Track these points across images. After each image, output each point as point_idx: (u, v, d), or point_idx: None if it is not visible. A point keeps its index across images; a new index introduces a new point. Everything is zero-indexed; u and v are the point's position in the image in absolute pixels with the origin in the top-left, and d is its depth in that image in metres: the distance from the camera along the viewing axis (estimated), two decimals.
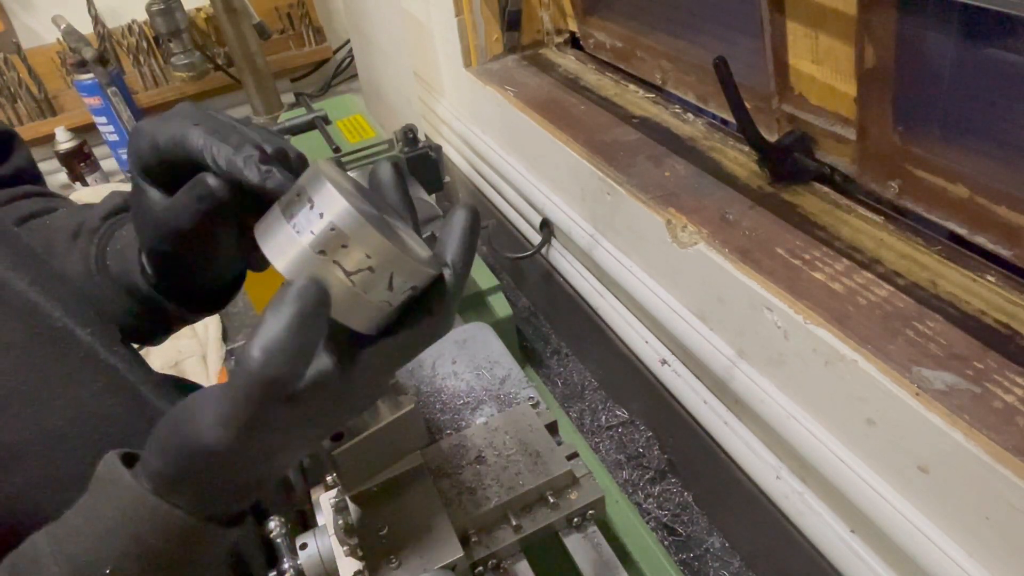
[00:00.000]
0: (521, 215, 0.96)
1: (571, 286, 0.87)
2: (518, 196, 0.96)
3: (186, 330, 1.18)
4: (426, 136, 1.23)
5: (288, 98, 1.81)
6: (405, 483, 0.54)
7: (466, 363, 0.71)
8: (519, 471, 0.55)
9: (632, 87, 0.88)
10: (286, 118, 1.07)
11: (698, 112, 0.79)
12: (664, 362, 0.71)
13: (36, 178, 0.61)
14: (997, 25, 0.46)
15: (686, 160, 0.71)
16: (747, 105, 0.61)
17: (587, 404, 0.89)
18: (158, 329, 0.54)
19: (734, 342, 0.61)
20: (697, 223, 0.63)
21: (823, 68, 0.61)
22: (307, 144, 1.07)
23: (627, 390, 0.84)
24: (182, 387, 0.59)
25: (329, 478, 0.58)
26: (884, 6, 0.51)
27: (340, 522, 0.52)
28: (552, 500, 0.54)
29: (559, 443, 0.58)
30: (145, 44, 1.66)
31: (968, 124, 0.52)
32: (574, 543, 0.54)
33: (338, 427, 0.44)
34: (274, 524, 0.50)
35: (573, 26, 0.99)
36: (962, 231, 0.54)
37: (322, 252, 0.32)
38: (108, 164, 1.67)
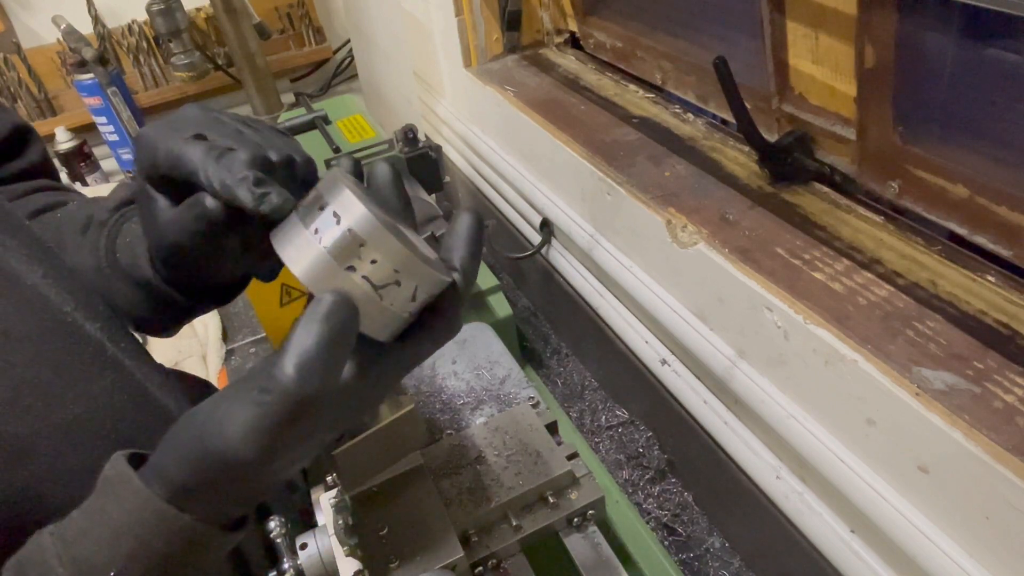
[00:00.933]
0: (521, 215, 0.96)
1: (571, 286, 0.87)
2: (518, 196, 0.96)
3: (186, 329, 1.18)
4: (426, 136, 1.23)
5: (288, 98, 1.81)
6: (405, 483, 0.54)
7: (466, 363, 0.71)
8: (519, 471, 0.55)
9: (632, 87, 0.88)
10: (286, 118, 1.07)
11: (698, 112, 0.79)
12: (664, 362, 0.71)
13: (51, 173, 0.61)
14: (997, 25, 0.46)
15: (686, 160, 0.71)
16: (747, 105, 0.61)
17: (587, 404, 0.89)
18: (169, 320, 0.54)
19: (734, 342, 0.61)
20: (697, 223, 0.63)
21: (823, 68, 0.61)
22: (307, 144, 1.07)
23: (627, 390, 0.84)
24: (187, 383, 0.59)
25: (329, 478, 0.58)
26: (884, 6, 0.51)
27: (340, 522, 0.52)
28: (552, 500, 0.54)
29: (559, 443, 0.58)
30: (145, 44, 1.66)
31: (968, 124, 0.52)
32: (574, 543, 0.54)
33: (346, 429, 0.44)
34: (274, 524, 0.50)
35: (573, 26, 0.99)
36: (962, 231, 0.54)
37: (344, 260, 0.32)
38: (108, 164, 1.67)
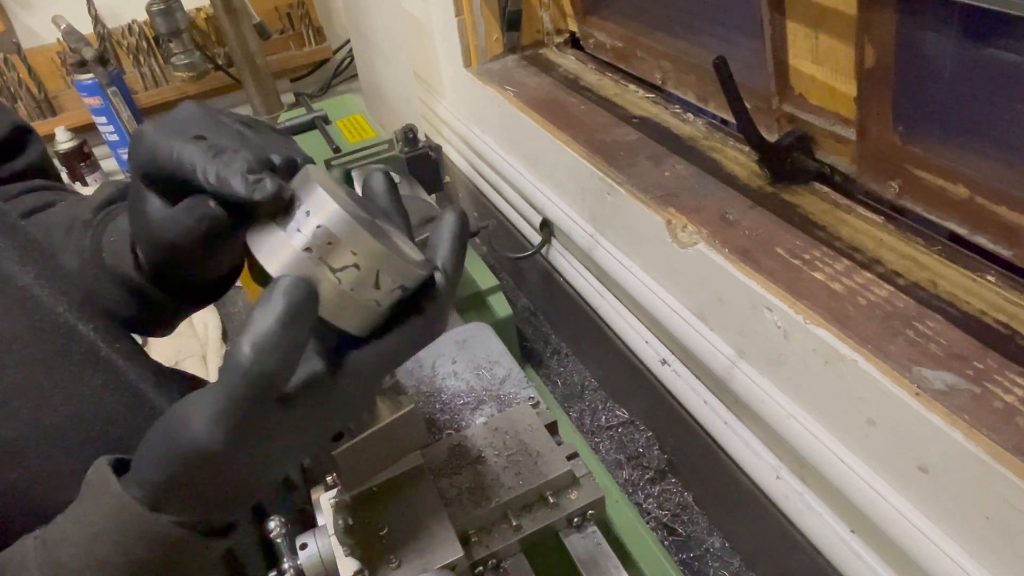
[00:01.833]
0: (521, 215, 0.96)
1: (571, 286, 0.87)
2: (518, 196, 0.96)
3: (186, 329, 1.18)
4: (426, 136, 1.23)
5: (288, 98, 1.81)
6: (405, 483, 0.54)
7: (466, 363, 0.71)
8: (519, 471, 0.55)
9: (632, 87, 0.88)
10: (286, 118, 1.07)
11: (698, 112, 0.79)
12: (664, 362, 0.71)
13: (51, 173, 0.61)
14: (997, 25, 0.46)
15: (686, 160, 0.71)
16: (747, 105, 0.61)
17: (587, 404, 0.89)
18: (158, 320, 0.53)
19: (734, 342, 0.61)
20: (697, 223, 0.63)
21: (823, 68, 0.61)
22: (307, 144, 1.07)
23: (627, 390, 0.84)
24: (186, 383, 0.59)
25: (329, 478, 0.58)
26: (884, 6, 0.51)
27: (340, 522, 0.52)
28: (552, 500, 0.54)
29: (559, 443, 0.58)
30: (145, 44, 1.65)
31: (968, 124, 0.52)
32: (574, 543, 0.54)
33: (330, 433, 0.43)
34: (274, 524, 0.50)
35: (573, 26, 0.99)
36: (962, 231, 0.54)
37: (309, 250, 0.33)
38: (108, 164, 1.67)
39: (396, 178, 0.86)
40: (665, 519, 0.74)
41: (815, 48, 0.61)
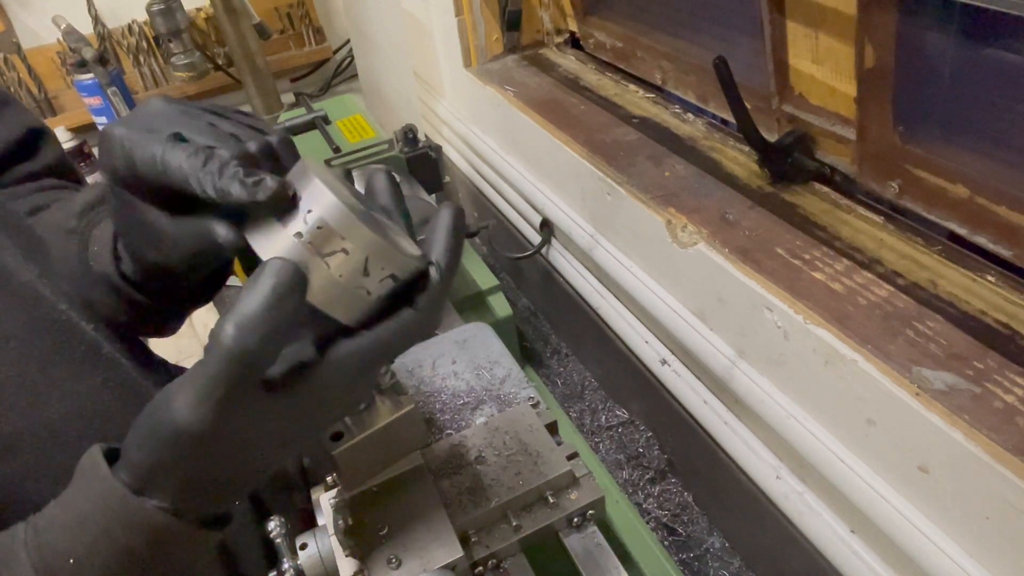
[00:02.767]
0: (521, 215, 0.96)
1: (571, 286, 0.87)
2: (518, 196, 0.96)
3: (186, 330, 1.18)
4: (426, 136, 1.23)
5: (288, 98, 1.81)
6: (405, 483, 0.54)
7: (466, 363, 0.71)
8: (519, 471, 0.55)
9: (632, 87, 0.88)
10: (286, 118, 1.07)
11: (698, 112, 0.79)
12: (664, 362, 0.71)
13: (68, 174, 0.61)
14: (997, 25, 0.46)
15: (686, 160, 0.71)
16: (747, 105, 0.61)
17: (587, 404, 0.89)
18: (153, 324, 0.53)
19: (734, 342, 0.61)
20: (697, 223, 0.63)
21: (823, 68, 0.61)
22: (307, 144, 1.07)
23: (627, 390, 0.84)
24: None
25: (329, 478, 0.58)
26: (884, 6, 0.51)
27: (340, 522, 0.52)
28: (552, 500, 0.54)
29: (559, 443, 0.58)
30: (145, 44, 1.66)
31: (968, 124, 0.52)
32: (574, 543, 0.54)
33: (321, 426, 0.42)
34: (274, 524, 0.50)
35: (573, 26, 0.99)
36: (962, 231, 0.54)
37: (299, 235, 0.33)
38: None
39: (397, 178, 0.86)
40: (665, 519, 0.74)
41: (815, 48, 0.61)
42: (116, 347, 0.48)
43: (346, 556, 0.51)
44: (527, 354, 1.00)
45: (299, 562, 0.50)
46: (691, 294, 0.65)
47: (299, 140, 1.07)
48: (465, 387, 0.68)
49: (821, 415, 0.54)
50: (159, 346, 1.14)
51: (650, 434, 0.81)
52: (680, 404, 0.70)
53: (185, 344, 1.16)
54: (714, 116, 0.78)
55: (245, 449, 0.35)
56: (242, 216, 0.36)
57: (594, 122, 0.81)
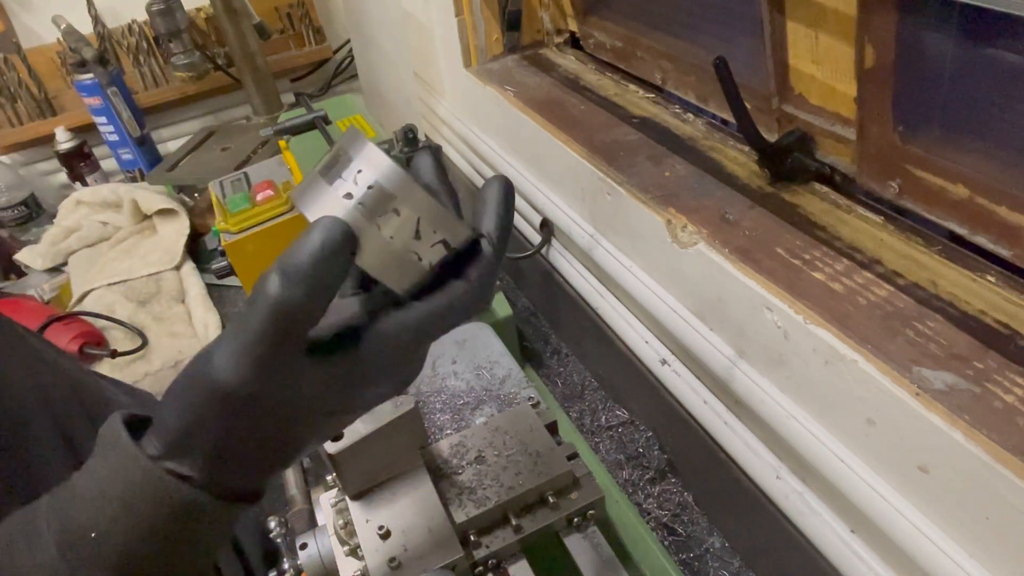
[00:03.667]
0: (521, 215, 0.96)
1: (571, 286, 0.87)
2: (518, 196, 0.96)
3: (186, 330, 1.18)
4: (426, 136, 1.23)
5: (288, 98, 1.81)
6: (405, 483, 0.54)
7: (466, 363, 0.71)
8: (519, 471, 0.55)
9: (632, 87, 0.88)
10: (286, 118, 1.07)
11: (698, 112, 0.79)
12: (664, 362, 0.71)
13: None
14: (997, 25, 0.46)
15: (686, 160, 0.71)
16: (747, 105, 0.61)
17: (587, 404, 0.89)
18: None
19: (734, 342, 0.61)
20: (697, 223, 0.63)
21: (823, 68, 0.61)
22: (307, 144, 1.07)
23: (627, 390, 0.84)
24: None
25: (329, 478, 0.58)
26: (884, 6, 0.51)
27: (340, 522, 0.52)
28: (552, 500, 0.54)
29: (559, 443, 0.58)
30: (145, 44, 1.65)
31: (968, 124, 0.52)
32: (574, 543, 0.54)
33: (367, 405, 0.40)
34: (274, 524, 0.50)
35: (573, 26, 0.99)
36: (962, 231, 0.54)
37: (349, 196, 0.32)
38: (108, 164, 1.67)
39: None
40: (665, 519, 0.74)
41: (815, 48, 0.61)
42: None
43: (346, 556, 0.51)
44: (527, 354, 1.00)
45: (299, 562, 0.50)
46: (691, 294, 0.65)
47: (299, 140, 1.07)
48: (465, 387, 0.68)
49: (821, 415, 0.54)
50: (159, 347, 1.14)
51: (650, 434, 0.81)
52: (680, 404, 0.70)
53: (186, 344, 1.16)
54: (714, 116, 0.78)
55: (285, 415, 0.33)
56: None
57: (594, 122, 0.81)
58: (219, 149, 1.52)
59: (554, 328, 1.00)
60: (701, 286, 0.63)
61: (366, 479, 0.54)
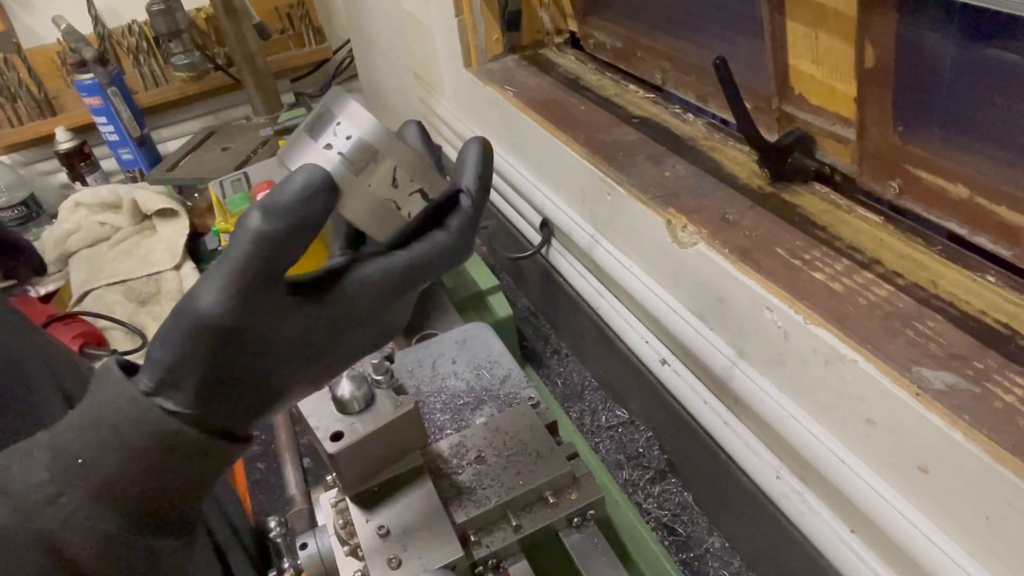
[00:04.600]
0: (521, 215, 0.96)
1: (571, 286, 0.87)
2: (518, 196, 0.96)
3: None
4: None
5: (288, 98, 1.80)
6: (405, 483, 0.54)
7: (466, 363, 0.71)
8: (519, 471, 0.55)
9: (632, 87, 0.88)
10: (286, 118, 1.07)
11: (698, 112, 0.79)
12: (664, 362, 0.71)
13: None
14: (997, 25, 0.46)
15: (686, 160, 0.71)
16: (747, 105, 0.61)
17: (587, 404, 0.89)
18: None
19: (734, 342, 0.61)
20: (697, 223, 0.63)
21: (823, 68, 0.61)
22: None
23: (627, 390, 0.84)
24: None
25: (329, 478, 0.58)
26: (884, 6, 0.51)
27: (340, 522, 0.52)
28: (552, 500, 0.54)
29: (559, 443, 0.58)
30: (145, 44, 1.65)
31: (968, 124, 0.52)
32: (574, 543, 0.54)
33: (354, 354, 0.40)
34: (274, 524, 0.50)
35: (573, 26, 0.99)
36: (962, 231, 0.54)
37: (329, 147, 0.34)
38: (108, 164, 1.67)
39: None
40: (665, 519, 0.74)
41: (815, 48, 0.61)
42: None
43: (346, 556, 0.51)
44: (527, 354, 1.00)
45: (299, 562, 0.50)
46: (691, 294, 0.65)
47: None
48: (465, 387, 0.68)
49: (821, 415, 0.54)
50: None
51: (650, 434, 0.81)
52: (680, 404, 0.70)
53: None
54: (714, 116, 0.78)
55: (269, 352, 0.34)
56: None
57: (594, 122, 0.81)
58: (219, 149, 1.52)
59: (554, 328, 1.00)
60: (701, 286, 0.63)
61: (366, 479, 0.54)
